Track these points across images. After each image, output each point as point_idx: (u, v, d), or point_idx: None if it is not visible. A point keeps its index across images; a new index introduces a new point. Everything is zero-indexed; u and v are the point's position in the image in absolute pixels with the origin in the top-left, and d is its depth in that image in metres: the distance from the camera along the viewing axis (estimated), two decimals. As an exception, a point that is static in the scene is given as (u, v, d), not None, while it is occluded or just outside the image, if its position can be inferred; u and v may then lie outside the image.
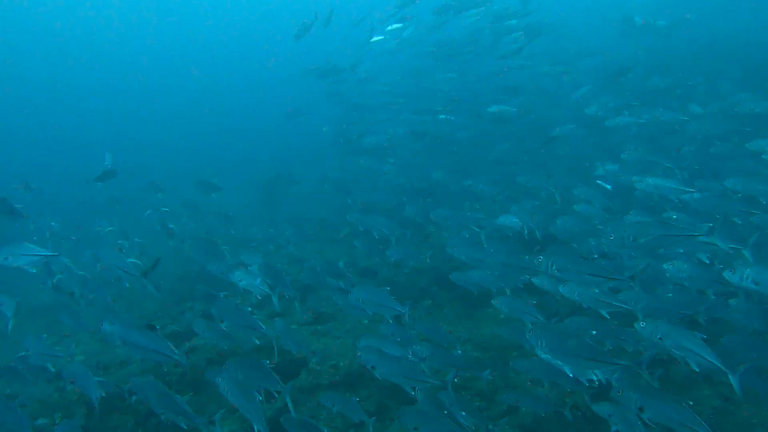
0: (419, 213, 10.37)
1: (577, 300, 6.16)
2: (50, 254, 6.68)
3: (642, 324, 5.27)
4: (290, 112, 19.22)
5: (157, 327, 5.55)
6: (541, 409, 5.91)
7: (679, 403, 4.62)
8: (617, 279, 5.94)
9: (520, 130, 14.39)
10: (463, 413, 5.35)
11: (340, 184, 12.90)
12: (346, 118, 17.89)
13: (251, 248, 11.81)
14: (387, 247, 9.33)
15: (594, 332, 5.80)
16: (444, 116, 14.75)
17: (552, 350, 5.17)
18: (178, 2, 51.90)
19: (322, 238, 12.94)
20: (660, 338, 5.10)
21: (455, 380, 6.20)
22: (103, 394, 6.17)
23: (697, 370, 5.18)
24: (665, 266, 6.31)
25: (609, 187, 9.54)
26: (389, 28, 18.87)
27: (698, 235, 6.31)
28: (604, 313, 6.00)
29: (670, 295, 6.32)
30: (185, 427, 5.35)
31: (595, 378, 5.33)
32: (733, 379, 4.93)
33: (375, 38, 18.79)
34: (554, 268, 6.15)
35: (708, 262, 6.70)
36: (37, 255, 6.40)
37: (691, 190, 7.85)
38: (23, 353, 7.18)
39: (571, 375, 5.29)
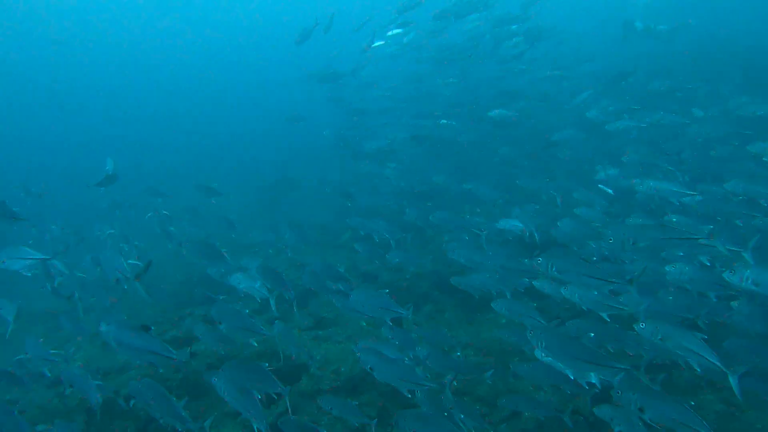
0: (419, 216, 10.37)
1: (578, 302, 6.15)
2: (43, 257, 6.67)
3: (642, 325, 5.26)
4: (290, 116, 19.22)
5: (152, 328, 5.49)
6: (541, 414, 5.88)
7: (680, 404, 4.60)
8: (615, 282, 5.94)
9: (521, 134, 14.40)
10: (462, 416, 5.31)
11: (340, 188, 12.91)
12: (347, 122, 17.92)
13: (252, 253, 11.80)
14: (388, 251, 9.31)
15: (592, 334, 5.78)
16: (445, 121, 14.77)
17: (551, 352, 5.15)
18: (181, 5, 52.11)
19: (323, 242, 12.94)
20: (660, 339, 5.09)
21: (454, 384, 6.17)
22: (100, 400, 6.13)
23: (699, 370, 5.17)
24: (667, 268, 6.30)
25: (610, 191, 9.52)
26: (390, 33, 18.93)
27: (698, 238, 6.31)
28: (604, 316, 5.99)
29: (671, 298, 6.29)
30: (181, 431, 5.31)
31: (593, 380, 5.31)
32: (732, 380, 4.92)
33: (376, 43, 18.83)
34: (554, 270, 6.13)
35: (709, 264, 6.68)
36: (32, 258, 6.39)
37: (692, 192, 7.84)
38: (22, 356, 7.15)
39: (572, 378, 5.27)
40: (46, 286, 8.35)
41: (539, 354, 5.63)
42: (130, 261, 7.17)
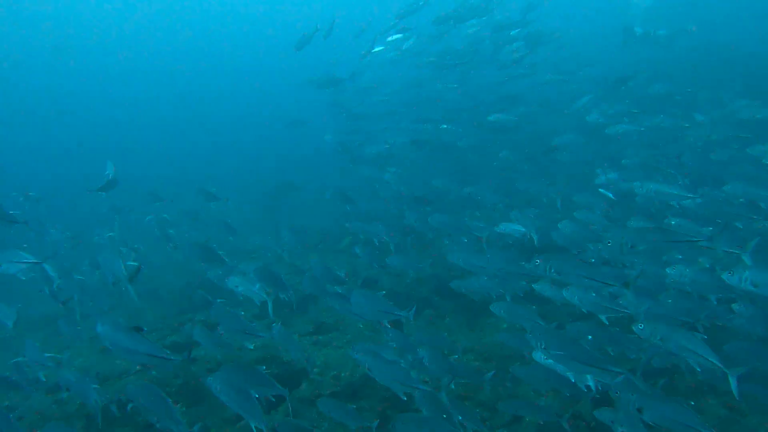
0: (418, 219, 10.35)
1: (578, 304, 6.12)
2: (35, 261, 6.65)
3: (640, 326, 5.24)
4: (290, 121, 19.27)
5: (144, 329, 5.45)
6: (541, 418, 5.85)
7: (679, 404, 4.57)
8: (610, 284, 5.93)
9: (521, 138, 14.42)
10: (460, 417, 5.28)
11: (340, 192, 12.92)
12: (347, 127, 17.95)
13: (252, 258, 11.78)
14: (387, 255, 9.30)
15: (590, 337, 5.76)
16: (446, 126, 14.79)
17: (550, 353, 5.13)
18: (181, 11, 52.37)
19: (324, 248, 12.93)
20: (660, 339, 5.07)
21: (452, 387, 6.15)
22: (101, 403, 6.08)
23: (699, 369, 5.16)
24: (668, 270, 6.28)
25: (611, 195, 9.51)
26: (390, 38, 18.98)
27: (698, 241, 6.31)
28: (603, 318, 5.96)
29: (670, 301, 6.26)
30: None
31: (590, 383, 5.28)
32: (731, 380, 4.91)
33: (376, 48, 18.89)
34: (552, 271, 6.13)
35: (708, 266, 6.67)
36: (25, 262, 6.37)
37: (692, 195, 7.84)
38: (20, 358, 7.13)
39: (573, 380, 5.25)
40: (44, 289, 8.33)
41: (538, 356, 5.61)
42: (128, 263, 7.14)
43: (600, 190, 9.70)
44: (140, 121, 43.49)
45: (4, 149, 36.58)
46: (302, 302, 10.00)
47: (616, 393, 4.93)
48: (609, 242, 7.01)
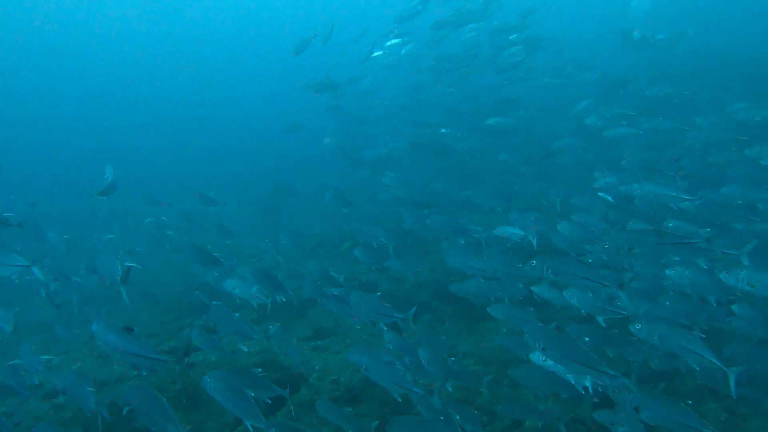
0: (416, 222, 10.33)
1: (576, 305, 6.10)
2: (25, 264, 6.64)
3: (638, 326, 5.23)
4: (289, 125, 19.24)
5: (134, 329, 5.42)
6: (540, 421, 5.82)
7: (676, 403, 4.55)
8: (606, 285, 5.92)
9: (520, 142, 14.43)
10: (458, 417, 5.25)
11: (339, 196, 12.93)
12: (346, 131, 17.95)
13: (250, 264, 11.76)
14: (386, 258, 9.28)
15: (587, 339, 5.74)
16: (445, 130, 14.80)
17: (547, 352, 5.11)
18: (179, 14, 52.51)
19: (323, 252, 12.90)
20: (657, 339, 5.06)
21: (449, 390, 6.12)
22: (98, 407, 6.04)
23: (697, 368, 5.14)
24: (667, 272, 6.27)
25: (610, 198, 9.51)
26: (388, 43, 19.02)
27: (695, 242, 6.31)
28: (600, 320, 5.94)
29: (668, 303, 6.24)
30: None
31: (587, 384, 5.26)
32: (730, 378, 4.93)
33: (375, 53, 18.94)
34: (549, 272, 6.13)
35: (706, 268, 6.65)
36: (16, 265, 6.36)
37: (690, 198, 7.84)
38: (16, 361, 7.09)
39: (573, 382, 5.22)
40: (40, 292, 8.31)
41: (535, 358, 5.58)
42: (126, 263, 7.13)
43: (599, 194, 9.69)
44: (140, 124, 43.50)
45: (4, 151, 36.61)
46: (301, 307, 9.97)
47: (614, 391, 4.91)
48: (606, 244, 7.01)
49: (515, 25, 16.87)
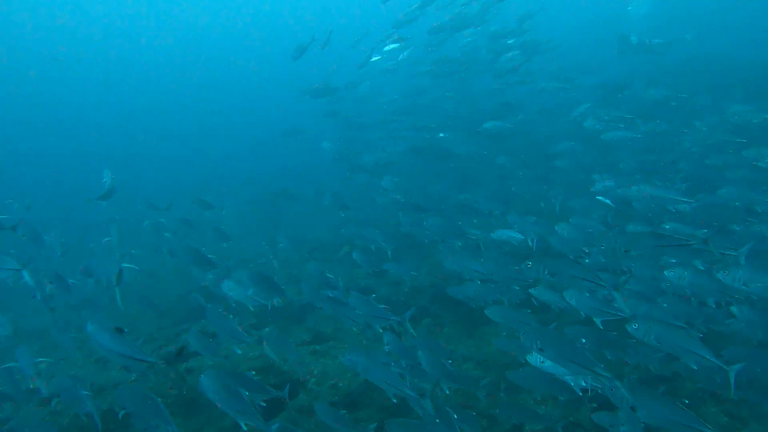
0: (414, 225, 10.32)
1: (576, 306, 6.09)
2: (17, 268, 6.62)
3: (635, 325, 5.21)
4: (287, 130, 19.27)
5: (125, 330, 5.38)
6: (539, 425, 5.79)
7: (673, 402, 4.53)
8: (601, 284, 5.91)
9: (519, 145, 14.44)
10: (455, 416, 5.22)
11: (338, 199, 12.93)
12: (344, 135, 17.97)
13: (248, 267, 11.72)
14: (384, 261, 9.27)
15: (584, 340, 5.72)
16: (443, 134, 14.81)
17: (544, 352, 5.09)
18: (177, 19, 52.67)
19: (321, 257, 12.87)
20: (654, 339, 5.04)
21: (446, 392, 6.09)
22: (91, 409, 5.98)
23: (695, 367, 5.13)
24: (666, 273, 6.27)
25: (609, 201, 9.51)
26: (386, 48, 19.08)
27: (692, 244, 6.32)
28: (597, 322, 5.93)
29: (665, 305, 6.23)
30: None
31: (584, 384, 5.23)
32: (730, 375, 4.94)
33: (373, 58, 19.00)
34: (546, 272, 6.12)
35: (703, 269, 6.65)
36: (8, 269, 6.34)
37: (688, 200, 7.85)
38: (12, 363, 7.05)
39: (572, 384, 5.20)
40: (36, 295, 8.27)
41: (533, 359, 5.56)
42: (123, 265, 7.12)
43: (598, 197, 9.69)
44: (139, 128, 43.55)
45: (3, 154, 36.64)
46: (300, 312, 9.94)
47: (612, 390, 4.89)
48: (602, 246, 7.01)
49: (513, 29, 16.95)
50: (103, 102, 48.35)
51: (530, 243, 8.72)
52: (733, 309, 6.05)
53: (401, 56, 18.97)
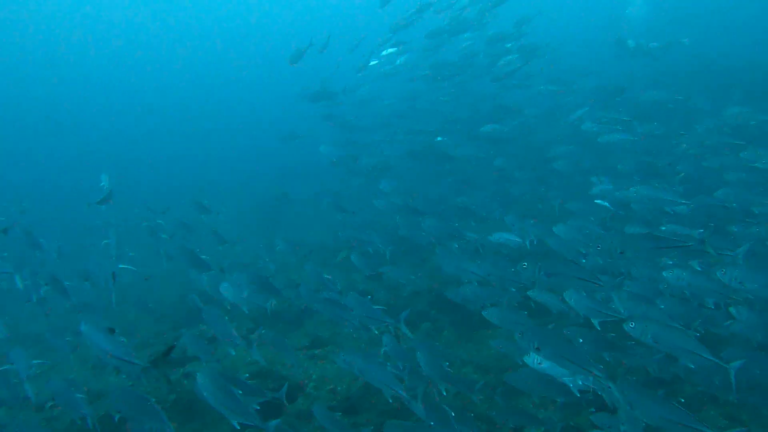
0: (411, 227, 10.29)
1: (574, 306, 6.07)
2: (8, 271, 6.62)
3: (632, 324, 5.18)
4: (285, 135, 19.23)
5: (116, 330, 5.36)
6: (536, 429, 5.77)
7: (669, 401, 4.50)
8: (597, 284, 5.91)
9: (516, 148, 14.45)
10: (453, 414, 5.19)
11: (336, 202, 12.92)
12: (342, 139, 17.97)
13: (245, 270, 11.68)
14: (382, 264, 9.24)
15: (581, 340, 5.70)
16: (440, 138, 14.82)
17: (540, 350, 5.07)
18: (176, 22, 52.71)
19: (319, 261, 12.83)
20: (651, 338, 5.02)
21: (444, 394, 6.06)
22: (91, 414, 5.94)
23: (693, 366, 5.11)
24: (664, 274, 6.25)
25: (607, 204, 9.51)
26: (384, 52, 19.10)
27: (689, 245, 6.32)
28: (595, 323, 5.90)
29: (663, 306, 6.21)
30: None
31: (581, 384, 5.21)
32: (730, 373, 4.93)
33: (371, 62, 19.02)
34: (542, 273, 6.12)
35: (700, 270, 6.63)
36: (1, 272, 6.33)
37: (685, 201, 7.85)
38: (7, 366, 7.00)
39: (571, 385, 5.18)
40: (31, 298, 8.23)
41: (530, 360, 5.53)
42: (121, 266, 7.12)
43: (596, 200, 9.68)
44: (139, 132, 43.57)
45: (3, 157, 36.62)
46: (298, 316, 9.90)
47: (608, 387, 4.87)
48: (598, 246, 7.00)
49: (510, 33, 16.97)
50: (102, 104, 48.38)
51: (528, 245, 8.71)
52: (732, 310, 6.03)
53: (399, 60, 18.99)
